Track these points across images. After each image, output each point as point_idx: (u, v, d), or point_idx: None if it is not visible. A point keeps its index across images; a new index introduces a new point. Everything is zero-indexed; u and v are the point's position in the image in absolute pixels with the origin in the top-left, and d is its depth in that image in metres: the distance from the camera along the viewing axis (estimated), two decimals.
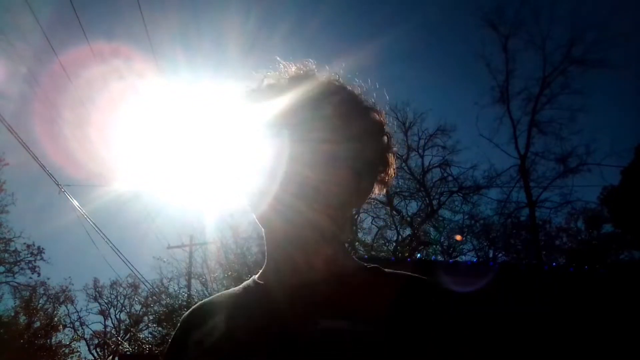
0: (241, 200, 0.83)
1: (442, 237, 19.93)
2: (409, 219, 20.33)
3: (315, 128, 0.76)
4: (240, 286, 0.87)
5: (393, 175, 0.89)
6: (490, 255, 19.57)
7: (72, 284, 29.36)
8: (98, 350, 30.75)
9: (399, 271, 0.81)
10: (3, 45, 14.20)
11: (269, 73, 0.88)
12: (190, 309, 0.88)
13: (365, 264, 0.83)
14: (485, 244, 19.94)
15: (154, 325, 18.79)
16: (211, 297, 0.89)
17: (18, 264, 22.03)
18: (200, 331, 0.78)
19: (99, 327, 31.43)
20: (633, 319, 4.68)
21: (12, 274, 22.31)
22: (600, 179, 17.83)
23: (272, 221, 0.77)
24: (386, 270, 0.82)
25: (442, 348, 0.70)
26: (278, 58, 0.88)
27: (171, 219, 41.58)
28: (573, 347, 4.58)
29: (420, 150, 20.79)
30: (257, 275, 0.86)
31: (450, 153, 20.33)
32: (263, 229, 0.81)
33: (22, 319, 24.41)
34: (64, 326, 27.69)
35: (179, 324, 0.88)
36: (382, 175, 0.88)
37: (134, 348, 19.45)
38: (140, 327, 26.71)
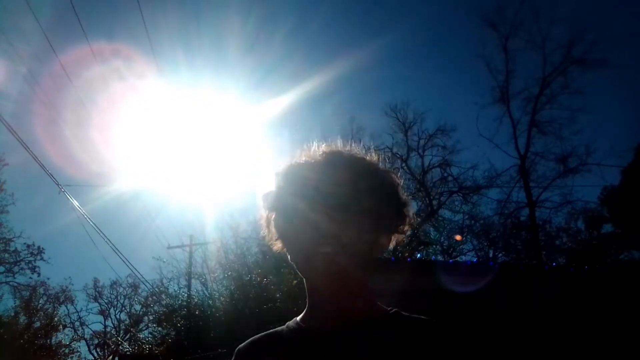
0: (289, 256, 0.94)
1: (442, 237, 19.94)
2: None
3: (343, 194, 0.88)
4: (288, 329, 0.96)
5: (409, 228, 1.00)
6: (490, 255, 19.57)
7: (72, 284, 29.40)
8: (98, 350, 30.76)
9: (416, 316, 0.92)
10: (3, 45, 14.21)
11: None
12: (249, 346, 0.96)
13: (388, 309, 0.94)
14: (485, 244, 19.95)
15: (154, 325, 18.79)
16: (262, 337, 0.97)
17: (18, 264, 22.04)
18: None
19: (99, 327, 31.45)
20: (633, 319, 4.68)
21: (12, 274, 22.32)
22: (600, 179, 17.75)
23: (321, 273, 0.88)
24: (404, 314, 0.93)
25: None
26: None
27: (171, 219, 41.62)
28: (573, 347, 4.59)
29: (420, 150, 20.82)
30: (300, 318, 0.97)
31: (450, 153, 20.36)
32: (310, 278, 0.92)
33: (22, 319, 24.41)
34: (64, 326, 27.69)
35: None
36: (399, 227, 0.99)
37: (134, 348, 19.46)
38: (140, 327, 26.74)
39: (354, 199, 0.88)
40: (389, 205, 0.95)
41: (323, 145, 0.99)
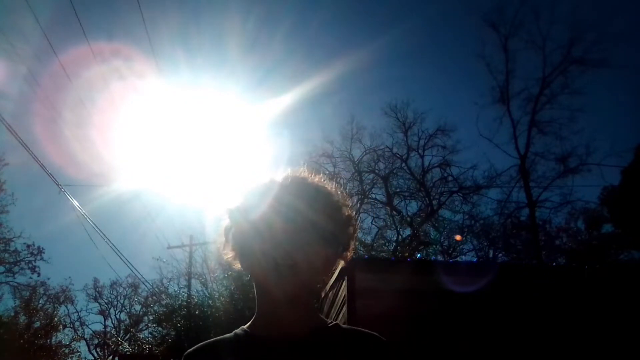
0: (241, 268, 1.02)
1: (442, 237, 19.93)
2: (409, 219, 20.32)
3: (297, 216, 0.96)
4: (235, 336, 1.01)
5: (351, 254, 1.08)
6: (490, 255, 19.56)
7: (72, 284, 29.42)
8: (98, 350, 30.77)
9: (354, 328, 1.02)
10: (3, 45, 14.20)
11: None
12: (197, 352, 1.00)
13: (328, 321, 1.03)
14: (485, 244, 19.94)
15: (154, 325, 18.79)
16: (210, 343, 1.01)
17: (18, 264, 22.03)
18: None
19: (99, 327, 31.47)
20: (633, 320, 4.68)
21: (12, 274, 22.32)
22: (600, 179, 17.77)
23: (270, 283, 0.94)
24: (344, 326, 1.02)
25: None
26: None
27: (171, 219, 41.61)
28: (572, 349, 4.58)
29: (420, 150, 20.83)
30: (247, 325, 1.02)
31: (450, 153, 20.37)
32: (259, 288, 1.00)
33: (22, 319, 24.41)
34: (64, 326, 27.71)
35: None
36: (344, 253, 1.06)
37: (134, 348, 19.46)
38: (140, 327, 26.78)
39: (311, 223, 0.96)
40: (341, 233, 1.03)
41: (290, 171, 1.07)
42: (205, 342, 1.02)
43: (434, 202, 20.28)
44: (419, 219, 20.21)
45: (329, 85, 23.42)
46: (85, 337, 30.27)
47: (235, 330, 1.03)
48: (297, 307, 0.97)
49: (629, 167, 15.46)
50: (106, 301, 31.50)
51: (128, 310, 31.47)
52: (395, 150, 21.05)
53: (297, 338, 0.95)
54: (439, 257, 18.73)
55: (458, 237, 19.61)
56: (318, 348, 0.95)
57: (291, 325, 0.96)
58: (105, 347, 30.22)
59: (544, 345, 4.47)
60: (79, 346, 29.26)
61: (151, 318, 20.83)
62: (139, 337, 21.27)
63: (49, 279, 26.80)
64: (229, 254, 1.04)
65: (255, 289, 1.02)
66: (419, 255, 18.32)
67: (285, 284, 0.93)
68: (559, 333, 4.55)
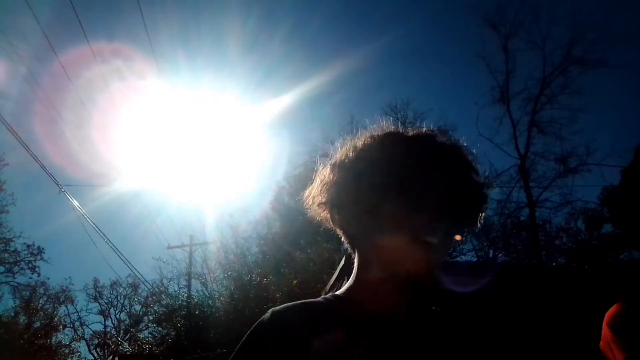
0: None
1: None
2: None
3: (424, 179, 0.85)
4: (324, 300, 0.89)
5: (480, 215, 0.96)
6: (490, 255, 19.56)
7: (72, 284, 29.40)
8: (98, 350, 30.74)
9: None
10: (3, 45, 14.20)
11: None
12: (286, 310, 0.87)
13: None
14: (485, 244, 19.93)
15: (154, 325, 18.79)
16: (299, 304, 0.88)
17: (18, 264, 22.03)
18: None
19: (99, 327, 31.44)
20: None
21: (12, 274, 22.33)
22: (600, 179, 17.79)
23: (415, 260, 0.82)
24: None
25: None
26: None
27: (171, 219, 41.60)
28: (572, 349, 4.59)
29: None
30: (341, 292, 0.90)
31: None
32: (389, 260, 0.84)
33: (22, 319, 24.42)
34: (64, 326, 27.74)
35: (271, 326, 0.84)
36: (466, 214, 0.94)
37: (134, 348, 19.46)
38: (140, 327, 26.75)
39: (454, 190, 0.86)
40: (473, 199, 0.92)
41: (422, 128, 0.93)
42: (293, 302, 0.88)
43: None
44: None
45: (329, 85, 23.49)
46: (85, 337, 30.28)
47: (325, 296, 0.92)
48: (426, 285, 0.86)
49: (629, 167, 15.45)
50: (106, 301, 31.50)
51: (128, 310, 31.46)
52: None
53: (402, 317, 0.84)
54: None
55: (458, 237, 19.58)
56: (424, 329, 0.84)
57: (400, 302, 0.85)
58: (105, 347, 30.19)
59: (543, 345, 4.47)
60: (79, 346, 29.31)
61: (151, 318, 20.83)
62: (139, 337, 21.26)
63: (49, 279, 26.86)
64: (325, 212, 0.91)
65: (369, 256, 0.88)
66: None
67: (432, 264, 0.83)
68: (559, 333, 4.55)
